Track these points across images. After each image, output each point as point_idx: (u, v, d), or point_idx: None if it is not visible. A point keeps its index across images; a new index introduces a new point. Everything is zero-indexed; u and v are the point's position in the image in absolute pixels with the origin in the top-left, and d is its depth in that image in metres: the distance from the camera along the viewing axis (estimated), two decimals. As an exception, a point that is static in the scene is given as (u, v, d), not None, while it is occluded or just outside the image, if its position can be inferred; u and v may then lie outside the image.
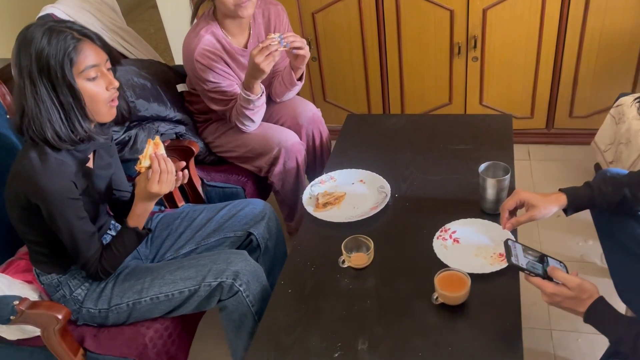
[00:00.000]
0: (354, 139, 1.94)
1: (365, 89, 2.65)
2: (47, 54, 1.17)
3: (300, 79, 1.92)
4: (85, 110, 1.25)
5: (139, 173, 1.33)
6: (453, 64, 2.44)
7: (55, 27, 1.19)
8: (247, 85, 1.76)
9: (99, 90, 1.26)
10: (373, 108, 2.70)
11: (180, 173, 1.37)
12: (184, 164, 1.41)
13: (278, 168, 1.90)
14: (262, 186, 2.03)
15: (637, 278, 1.26)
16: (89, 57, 1.23)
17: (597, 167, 2.14)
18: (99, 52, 1.26)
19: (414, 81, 2.55)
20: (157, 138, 1.33)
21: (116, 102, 1.32)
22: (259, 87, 1.78)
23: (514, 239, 1.18)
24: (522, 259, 1.13)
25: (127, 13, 4.41)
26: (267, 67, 1.66)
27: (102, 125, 1.37)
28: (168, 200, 1.82)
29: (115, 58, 1.31)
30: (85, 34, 1.24)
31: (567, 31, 2.25)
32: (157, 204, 1.82)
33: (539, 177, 2.39)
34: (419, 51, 2.45)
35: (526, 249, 1.16)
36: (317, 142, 2.03)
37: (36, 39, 1.17)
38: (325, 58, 2.60)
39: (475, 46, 2.35)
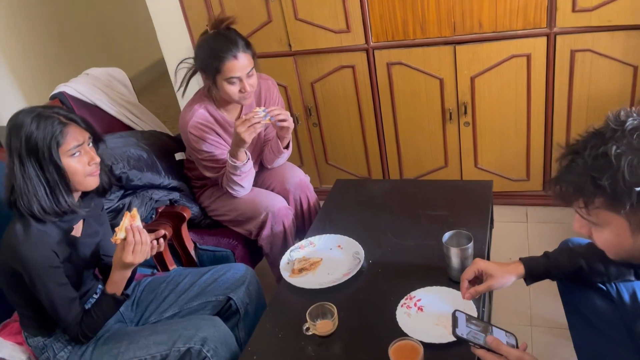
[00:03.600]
0: (340, 204, 2.01)
1: (364, 153, 2.73)
2: (35, 137, 1.32)
3: (287, 147, 2.02)
4: (70, 185, 1.39)
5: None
6: (446, 129, 2.51)
7: (43, 113, 1.35)
8: (233, 153, 1.87)
9: (81, 166, 1.40)
10: (373, 171, 2.78)
11: (154, 242, 1.46)
12: (162, 232, 1.51)
13: (266, 232, 1.98)
14: (253, 249, 2.11)
15: (597, 351, 1.25)
16: (74, 138, 1.38)
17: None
18: (82, 133, 1.41)
19: (410, 145, 2.62)
20: (135, 210, 1.44)
21: (97, 172, 1.46)
22: (244, 155, 1.89)
23: (462, 310, 1.20)
24: (463, 329, 1.14)
25: (156, 80, 4.79)
26: (248, 137, 1.78)
27: (84, 197, 1.49)
28: (160, 263, 1.91)
29: (98, 136, 1.46)
30: (71, 118, 1.39)
31: (554, 97, 2.30)
32: (150, 267, 1.92)
33: (535, 239, 2.38)
34: (412, 117, 2.54)
35: (470, 318, 1.18)
36: (305, 206, 2.11)
37: (26, 124, 1.32)
38: (325, 124, 2.72)
39: (465, 112, 2.42)
